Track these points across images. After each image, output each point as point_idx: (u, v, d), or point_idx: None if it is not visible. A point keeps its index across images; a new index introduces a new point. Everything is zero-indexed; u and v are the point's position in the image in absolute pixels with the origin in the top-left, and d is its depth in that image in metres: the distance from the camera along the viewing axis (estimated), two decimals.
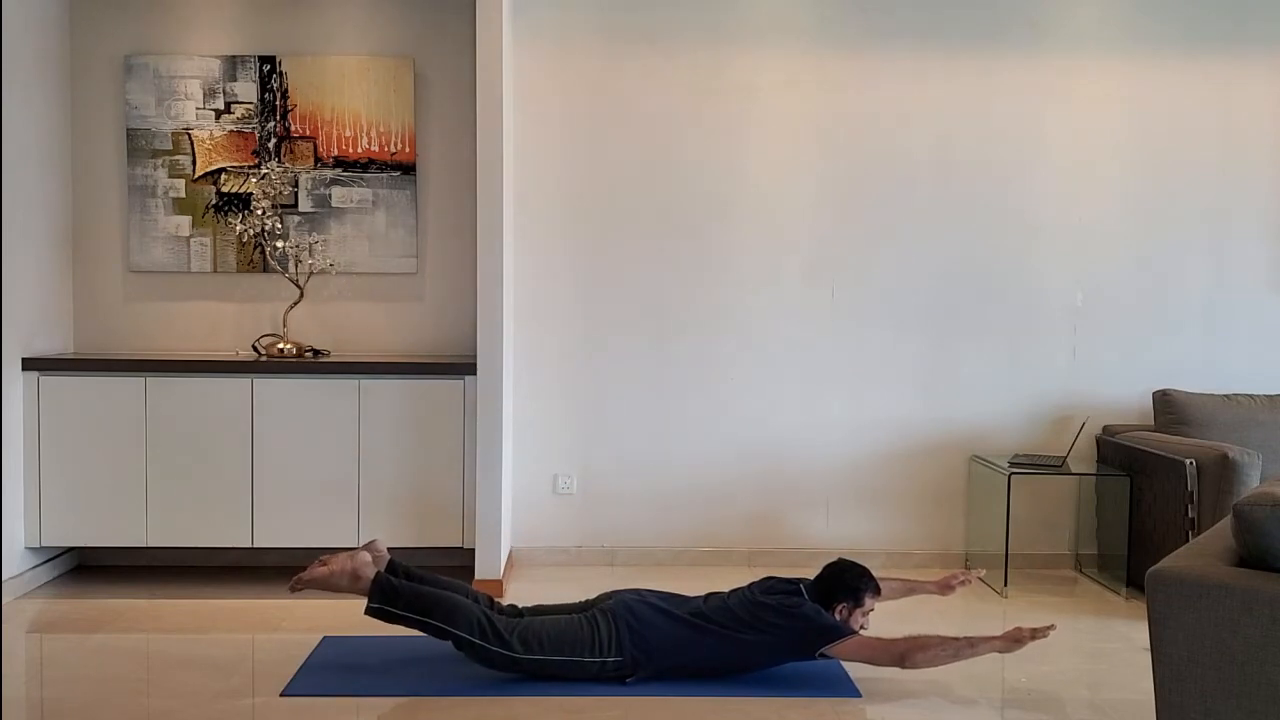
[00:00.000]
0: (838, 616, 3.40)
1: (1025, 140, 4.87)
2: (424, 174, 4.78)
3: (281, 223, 4.71)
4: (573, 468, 4.88)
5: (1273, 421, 4.55)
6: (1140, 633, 3.87)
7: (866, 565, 3.55)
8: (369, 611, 3.30)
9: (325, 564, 3.38)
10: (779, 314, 4.87)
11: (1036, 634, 3.23)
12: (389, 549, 3.51)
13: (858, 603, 3.43)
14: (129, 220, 4.72)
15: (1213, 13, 4.85)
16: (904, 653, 3.23)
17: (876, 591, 3.48)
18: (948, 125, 4.85)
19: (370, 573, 3.31)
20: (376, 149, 4.74)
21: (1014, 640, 3.24)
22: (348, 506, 4.36)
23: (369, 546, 3.48)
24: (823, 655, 3.31)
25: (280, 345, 4.55)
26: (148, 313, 4.77)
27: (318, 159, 4.74)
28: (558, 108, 4.80)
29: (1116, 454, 4.69)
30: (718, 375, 4.87)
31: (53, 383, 4.31)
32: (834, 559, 3.59)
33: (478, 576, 4.29)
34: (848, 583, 3.46)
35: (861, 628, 3.43)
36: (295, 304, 4.67)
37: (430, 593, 3.32)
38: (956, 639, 3.27)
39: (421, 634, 3.31)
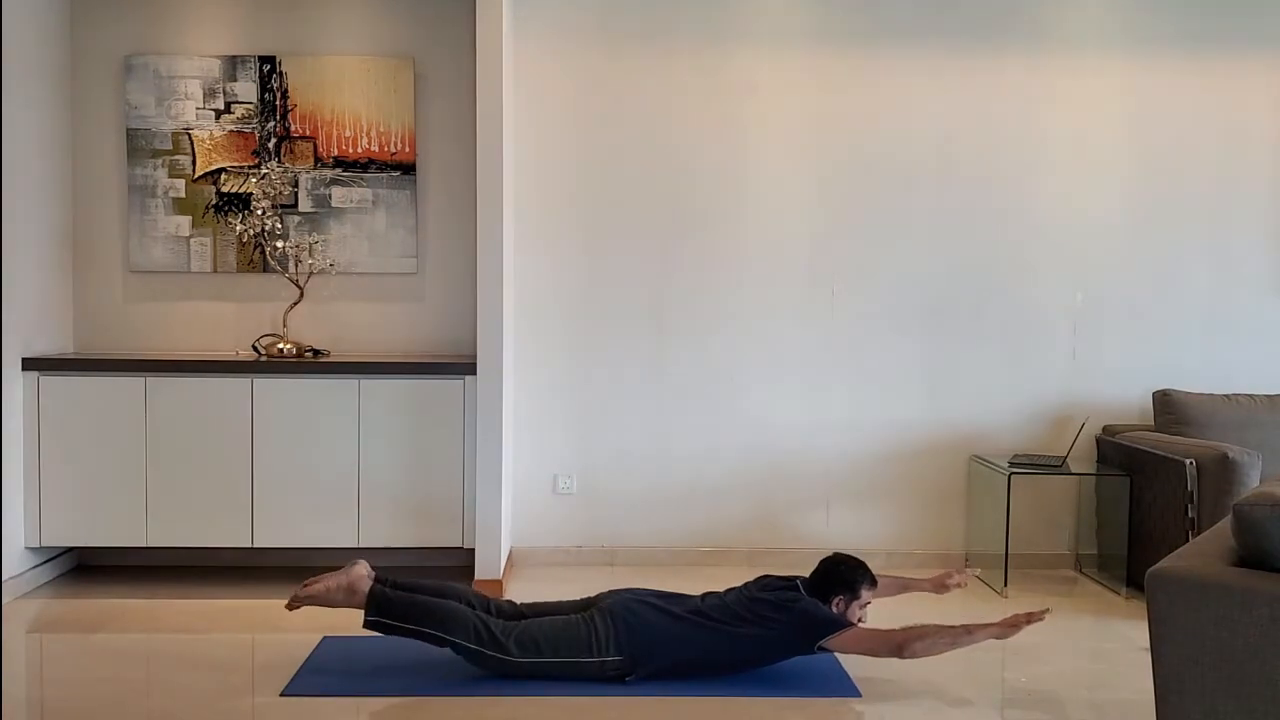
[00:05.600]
0: (835, 610, 3.41)
1: (1025, 140, 4.87)
2: (424, 174, 4.78)
3: (281, 223, 4.71)
4: (573, 468, 4.88)
5: (1273, 421, 4.55)
6: (1140, 633, 3.87)
7: (865, 561, 3.55)
8: (367, 624, 3.31)
9: (318, 580, 3.38)
10: (779, 313, 4.87)
11: (1033, 618, 3.23)
12: (389, 549, 3.51)
13: (854, 595, 3.44)
14: (129, 220, 4.72)
15: (1213, 13, 4.85)
16: (902, 642, 3.23)
17: (873, 584, 3.48)
18: (948, 125, 4.85)
19: (365, 586, 3.33)
20: (376, 149, 4.74)
21: (1011, 626, 3.24)
22: (348, 506, 4.36)
23: (353, 567, 3.46)
24: (821, 649, 3.31)
25: (280, 345, 4.55)
26: (148, 313, 4.77)
27: (318, 159, 4.74)
28: (558, 107, 4.80)
29: (1116, 454, 4.69)
30: (718, 375, 4.87)
31: (53, 383, 4.31)
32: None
33: (478, 576, 4.29)
34: (844, 576, 3.46)
35: (859, 620, 3.43)
36: (295, 304, 4.67)
37: (425, 601, 3.32)
38: (954, 627, 3.27)
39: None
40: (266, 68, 4.71)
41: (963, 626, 3.27)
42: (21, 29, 4.29)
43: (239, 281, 4.77)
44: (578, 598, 3.57)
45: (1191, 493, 4.15)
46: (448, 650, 3.31)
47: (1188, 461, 4.17)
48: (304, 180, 4.74)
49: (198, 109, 4.72)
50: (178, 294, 4.77)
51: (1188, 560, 2.38)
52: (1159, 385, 4.86)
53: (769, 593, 3.42)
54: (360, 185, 4.74)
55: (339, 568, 3.45)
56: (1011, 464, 4.57)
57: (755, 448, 4.89)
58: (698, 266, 4.85)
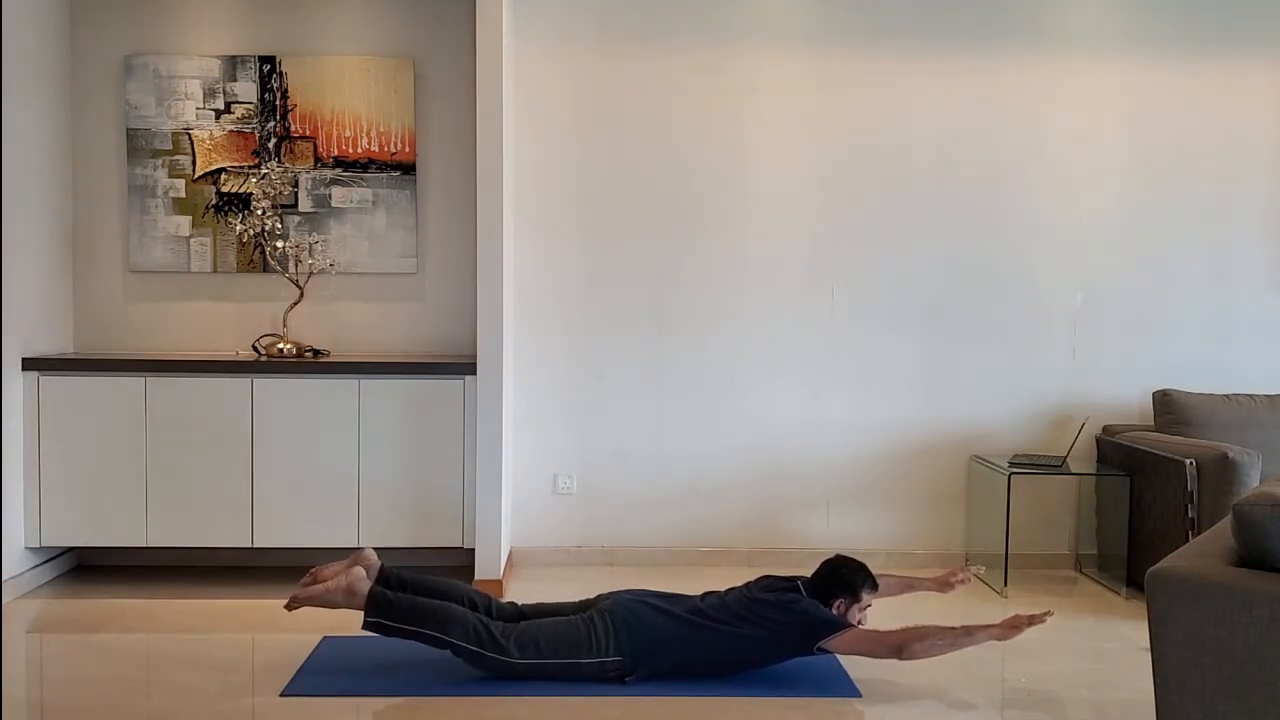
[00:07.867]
0: (835, 612, 3.40)
1: (1025, 140, 4.87)
2: (424, 174, 4.78)
3: (281, 223, 4.71)
4: (573, 468, 4.88)
5: (1273, 421, 4.55)
6: (1140, 633, 3.87)
7: (866, 564, 3.55)
8: (366, 626, 3.32)
9: (320, 580, 3.38)
10: (779, 313, 4.87)
11: (1034, 621, 3.22)
12: (389, 549, 3.51)
13: (855, 598, 3.44)
14: (129, 220, 4.72)
15: (1213, 13, 4.85)
16: (901, 644, 3.23)
17: (874, 587, 3.48)
18: (948, 125, 4.85)
19: (365, 588, 3.33)
20: (376, 149, 4.74)
21: (1012, 628, 3.23)
22: (348, 506, 4.36)
23: (359, 558, 3.48)
24: (821, 650, 3.31)
25: (280, 345, 4.55)
26: (148, 313, 4.77)
27: (318, 159, 4.74)
28: (558, 108, 4.80)
29: (1116, 454, 4.69)
30: (718, 375, 4.87)
31: (53, 383, 4.31)
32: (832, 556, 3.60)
33: (478, 576, 4.29)
34: (844, 578, 3.46)
35: (860, 623, 3.43)
36: (295, 304, 4.67)
37: (425, 603, 3.32)
38: (954, 629, 3.27)
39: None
40: (266, 68, 4.71)
41: (963, 628, 3.27)
42: (21, 29, 4.29)
43: (239, 281, 4.77)
44: (577, 598, 3.57)
45: (1191, 493, 4.15)
46: (448, 651, 3.31)
47: (1188, 461, 4.17)
48: (304, 180, 4.74)
49: (198, 109, 4.72)
50: (178, 294, 4.77)
51: (1188, 560, 2.38)
52: (1159, 385, 4.86)
53: (770, 593, 3.42)
54: (360, 185, 4.74)
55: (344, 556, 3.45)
56: (1011, 464, 4.57)
57: (755, 448, 4.89)
58: (698, 266, 4.84)
